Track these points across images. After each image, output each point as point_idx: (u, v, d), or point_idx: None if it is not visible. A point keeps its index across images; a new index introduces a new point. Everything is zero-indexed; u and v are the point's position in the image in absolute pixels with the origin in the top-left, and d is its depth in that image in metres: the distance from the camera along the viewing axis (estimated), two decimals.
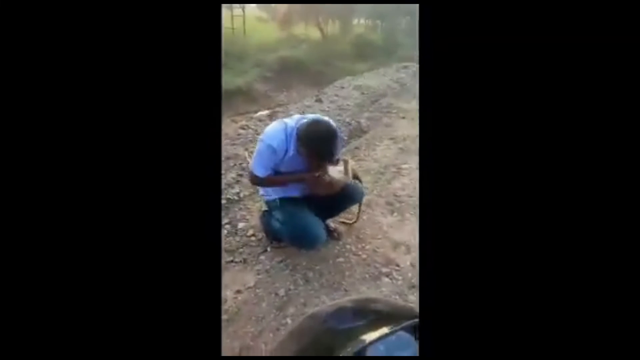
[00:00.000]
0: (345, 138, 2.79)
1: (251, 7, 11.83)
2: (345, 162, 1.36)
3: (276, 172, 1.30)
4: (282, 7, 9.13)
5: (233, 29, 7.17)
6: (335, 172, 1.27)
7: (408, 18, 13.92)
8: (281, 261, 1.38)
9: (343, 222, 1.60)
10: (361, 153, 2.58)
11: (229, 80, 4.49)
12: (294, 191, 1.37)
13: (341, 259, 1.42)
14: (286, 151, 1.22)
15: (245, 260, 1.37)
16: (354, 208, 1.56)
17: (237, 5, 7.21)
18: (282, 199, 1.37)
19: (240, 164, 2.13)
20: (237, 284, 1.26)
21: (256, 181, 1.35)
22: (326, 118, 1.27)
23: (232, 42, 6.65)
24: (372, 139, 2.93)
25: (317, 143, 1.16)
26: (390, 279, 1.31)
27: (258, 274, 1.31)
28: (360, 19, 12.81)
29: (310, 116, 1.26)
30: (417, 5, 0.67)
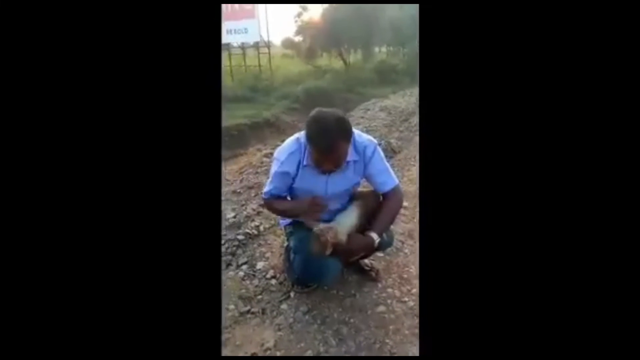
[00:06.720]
0: None
1: (277, 46, 12.57)
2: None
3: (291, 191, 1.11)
4: (306, 42, 9.52)
5: (260, 66, 7.51)
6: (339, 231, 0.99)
7: None
8: (307, 312, 1.11)
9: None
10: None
11: (256, 113, 4.55)
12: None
13: (382, 308, 1.12)
14: (299, 163, 1.03)
15: (263, 311, 1.13)
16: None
17: (263, 44, 7.62)
18: (295, 223, 1.16)
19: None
20: (252, 343, 1.01)
21: (264, 203, 1.19)
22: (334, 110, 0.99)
23: (258, 78, 6.91)
24: (406, 159, 2.68)
25: (313, 132, 0.92)
26: None
27: (279, 330, 1.06)
28: (382, 47, 13.03)
29: None
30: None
